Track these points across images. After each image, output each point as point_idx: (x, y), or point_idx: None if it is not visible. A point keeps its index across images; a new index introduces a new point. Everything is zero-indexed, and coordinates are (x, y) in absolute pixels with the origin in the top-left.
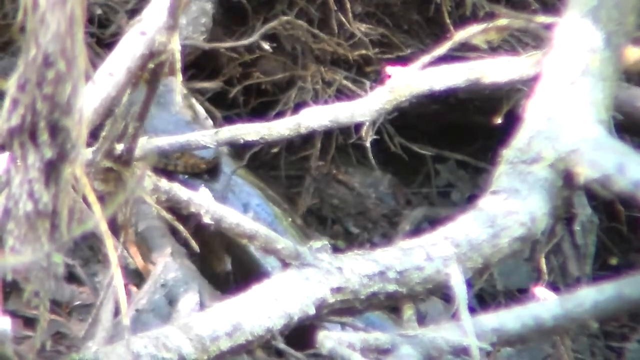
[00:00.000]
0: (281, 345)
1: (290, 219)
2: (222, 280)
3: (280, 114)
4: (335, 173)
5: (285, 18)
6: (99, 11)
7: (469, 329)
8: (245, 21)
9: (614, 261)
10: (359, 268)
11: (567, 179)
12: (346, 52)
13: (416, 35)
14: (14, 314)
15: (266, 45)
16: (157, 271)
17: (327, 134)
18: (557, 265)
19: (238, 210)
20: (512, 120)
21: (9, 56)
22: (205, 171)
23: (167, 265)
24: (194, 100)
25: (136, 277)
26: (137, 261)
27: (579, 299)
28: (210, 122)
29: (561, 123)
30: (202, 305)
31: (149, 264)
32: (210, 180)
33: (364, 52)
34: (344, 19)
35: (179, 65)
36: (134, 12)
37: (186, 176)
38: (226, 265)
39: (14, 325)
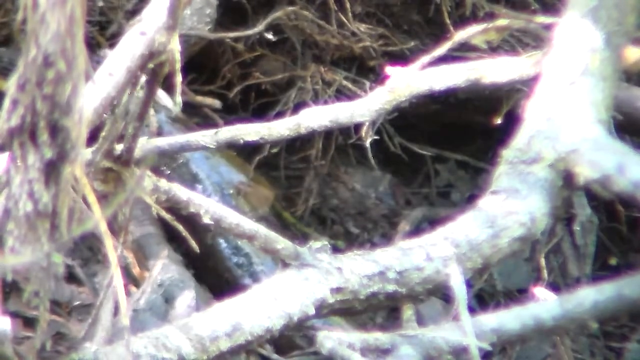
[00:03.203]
0: (274, 356)
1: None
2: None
3: (280, 114)
4: (335, 173)
5: (290, 8)
6: (100, 2)
7: (468, 329)
8: (245, 22)
9: (613, 261)
10: (359, 268)
11: (567, 179)
12: (351, 44)
13: (416, 36)
14: (14, 314)
15: (269, 35)
16: (154, 272)
17: (327, 134)
18: (557, 265)
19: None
20: (512, 120)
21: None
22: None
23: (164, 266)
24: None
25: (133, 282)
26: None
27: (578, 299)
28: (176, 109)
29: (561, 123)
30: (197, 308)
31: (144, 271)
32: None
33: (368, 44)
34: (344, 19)
35: (178, 65)
36: (134, 12)
37: None
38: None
39: (14, 326)
